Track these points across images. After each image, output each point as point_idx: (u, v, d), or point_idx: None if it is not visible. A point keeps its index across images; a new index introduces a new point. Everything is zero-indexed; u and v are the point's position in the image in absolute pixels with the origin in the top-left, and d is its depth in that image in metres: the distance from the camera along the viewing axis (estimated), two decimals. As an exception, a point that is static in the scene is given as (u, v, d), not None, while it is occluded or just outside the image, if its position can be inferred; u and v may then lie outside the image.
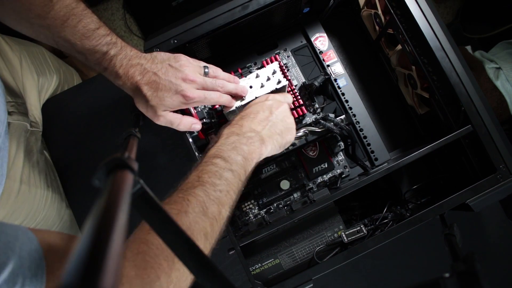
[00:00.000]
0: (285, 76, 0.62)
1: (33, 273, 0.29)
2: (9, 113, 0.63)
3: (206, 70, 0.52)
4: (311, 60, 0.66)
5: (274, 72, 0.55)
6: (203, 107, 0.65)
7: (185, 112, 0.56)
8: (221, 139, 0.45)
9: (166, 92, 0.47)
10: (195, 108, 0.64)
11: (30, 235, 0.31)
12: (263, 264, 0.58)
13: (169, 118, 0.50)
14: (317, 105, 0.64)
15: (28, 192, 0.68)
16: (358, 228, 0.56)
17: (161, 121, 0.51)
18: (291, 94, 0.61)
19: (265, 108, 0.50)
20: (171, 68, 0.48)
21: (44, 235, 0.33)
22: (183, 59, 0.50)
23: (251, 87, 0.56)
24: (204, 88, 0.50)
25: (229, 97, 0.53)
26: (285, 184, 0.63)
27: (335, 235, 0.58)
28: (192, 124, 0.53)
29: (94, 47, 0.45)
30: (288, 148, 0.58)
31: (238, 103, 0.55)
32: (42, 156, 0.76)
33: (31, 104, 0.73)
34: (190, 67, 0.50)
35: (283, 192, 0.63)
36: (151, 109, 0.49)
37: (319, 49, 0.65)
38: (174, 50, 0.55)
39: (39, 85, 0.78)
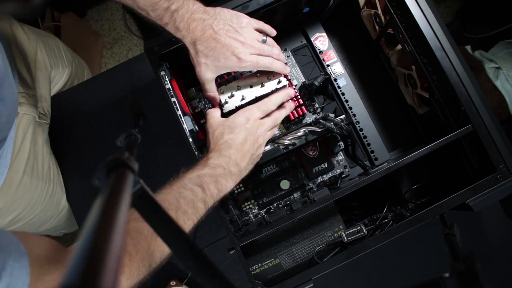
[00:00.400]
0: (285, 76, 0.62)
1: (17, 260, 0.31)
2: (19, 104, 0.63)
3: (265, 38, 0.53)
4: (311, 60, 0.66)
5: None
6: (203, 106, 0.65)
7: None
8: (208, 167, 0.47)
9: (223, 52, 0.48)
10: (195, 108, 0.64)
11: (7, 233, 0.33)
12: (263, 264, 0.58)
13: (211, 86, 0.53)
14: (317, 105, 0.64)
15: (29, 184, 0.68)
16: (358, 228, 0.55)
17: (202, 81, 0.52)
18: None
19: (250, 135, 0.52)
20: (232, 29, 0.49)
21: (30, 238, 0.35)
22: (245, 20, 0.51)
23: (251, 86, 0.56)
24: (260, 54, 0.51)
25: (282, 63, 0.54)
26: (285, 184, 0.63)
27: (335, 235, 0.58)
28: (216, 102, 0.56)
29: (156, 3, 0.46)
30: (288, 148, 0.58)
31: (238, 103, 0.55)
32: (47, 149, 0.76)
33: (42, 96, 0.74)
34: (251, 32, 0.51)
35: (283, 192, 0.63)
36: (202, 67, 0.50)
37: (319, 49, 0.65)
38: (175, 50, 0.55)
39: (50, 77, 0.78)
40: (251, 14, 0.54)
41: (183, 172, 0.48)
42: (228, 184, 0.48)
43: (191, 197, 0.44)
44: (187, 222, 0.43)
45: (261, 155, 0.55)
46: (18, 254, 0.31)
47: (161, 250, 0.41)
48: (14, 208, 0.67)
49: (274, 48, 0.53)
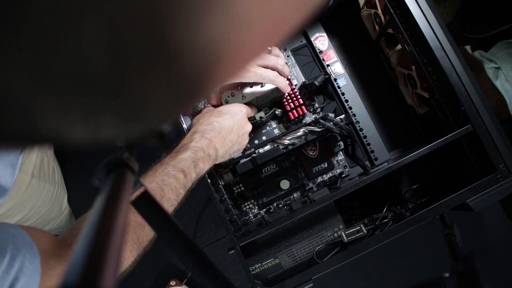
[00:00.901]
0: (285, 76, 0.62)
1: (30, 256, 0.31)
2: None
3: (269, 48, 0.53)
4: (311, 59, 0.66)
5: None
6: (203, 106, 0.65)
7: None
8: (190, 150, 0.48)
9: None
10: (195, 108, 0.64)
11: (22, 232, 0.34)
12: (263, 264, 0.58)
13: (215, 93, 0.54)
14: (317, 105, 0.64)
15: (37, 186, 0.68)
16: (358, 227, 0.55)
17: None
18: (292, 94, 0.61)
19: (237, 127, 0.52)
20: None
21: (35, 233, 0.36)
22: None
23: (251, 86, 0.56)
24: (265, 66, 0.51)
25: (285, 80, 0.54)
26: (285, 184, 0.63)
27: (335, 234, 0.58)
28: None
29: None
30: (288, 147, 0.58)
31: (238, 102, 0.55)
32: (51, 151, 0.76)
33: None
34: None
35: (283, 192, 0.63)
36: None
37: (319, 49, 0.65)
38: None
39: None
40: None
41: (164, 157, 0.48)
42: (205, 167, 0.49)
43: (174, 184, 0.45)
44: (169, 208, 0.45)
45: (238, 153, 0.55)
46: (32, 255, 0.32)
47: (148, 238, 0.43)
48: (21, 210, 0.67)
49: (279, 59, 0.53)
